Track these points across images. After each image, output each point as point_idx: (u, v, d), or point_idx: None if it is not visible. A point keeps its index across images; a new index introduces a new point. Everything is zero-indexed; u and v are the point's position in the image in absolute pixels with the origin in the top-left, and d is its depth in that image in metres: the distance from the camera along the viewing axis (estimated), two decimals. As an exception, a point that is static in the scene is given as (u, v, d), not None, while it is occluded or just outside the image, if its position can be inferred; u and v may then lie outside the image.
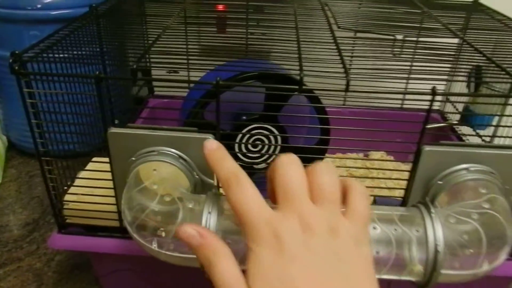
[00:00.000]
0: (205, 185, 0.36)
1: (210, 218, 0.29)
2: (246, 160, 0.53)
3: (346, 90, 0.31)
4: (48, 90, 0.34)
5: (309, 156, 0.52)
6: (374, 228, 0.29)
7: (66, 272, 0.50)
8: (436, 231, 0.29)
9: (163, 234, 0.32)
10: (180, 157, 0.34)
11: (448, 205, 0.33)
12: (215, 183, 0.35)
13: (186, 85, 0.63)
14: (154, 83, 0.69)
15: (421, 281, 0.29)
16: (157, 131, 0.34)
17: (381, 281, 0.31)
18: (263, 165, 0.53)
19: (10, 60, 0.32)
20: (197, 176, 0.35)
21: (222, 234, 0.30)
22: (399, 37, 0.42)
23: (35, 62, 0.34)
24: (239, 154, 0.52)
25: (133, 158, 0.34)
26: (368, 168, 0.68)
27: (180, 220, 0.30)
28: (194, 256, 0.29)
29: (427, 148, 0.34)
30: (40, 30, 0.61)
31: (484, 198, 0.32)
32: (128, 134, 0.34)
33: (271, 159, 0.53)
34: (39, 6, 0.60)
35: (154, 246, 0.30)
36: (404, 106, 0.68)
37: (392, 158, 0.70)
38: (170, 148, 0.34)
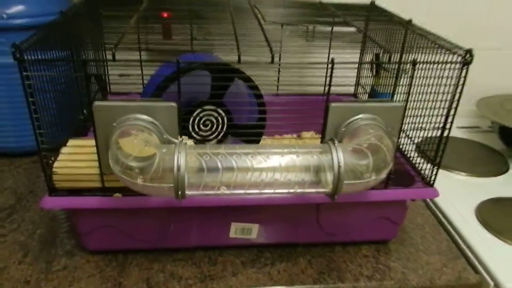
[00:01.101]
0: (171, 143, 0.46)
1: (180, 157, 0.40)
2: (200, 138, 0.63)
3: (272, 62, 0.43)
4: (40, 73, 0.43)
5: (250, 134, 0.64)
6: (298, 156, 0.41)
7: (49, 241, 0.57)
8: (339, 155, 0.42)
9: (142, 181, 0.42)
10: (151, 122, 0.45)
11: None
12: (180, 139, 0.46)
13: (139, 82, 0.73)
14: (111, 82, 0.78)
15: (331, 192, 0.42)
16: (132, 102, 0.44)
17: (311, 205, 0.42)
18: (214, 141, 0.64)
19: (12, 50, 0.41)
20: (165, 136, 0.46)
21: (189, 170, 0.41)
22: (311, 28, 0.55)
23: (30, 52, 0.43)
24: (193, 133, 0.62)
25: (114, 124, 0.44)
26: (300, 145, 0.82)
27: (157, 161, 0.41)
28: (167, 185, 0.40)
29: (332, 104, 0.47)
30: (5, 37, 0.68)
31: (372, 135, 0.45)
32: (109, 106, 0.44)
33: (220, 135, 0.64)
34: (3, 16, 0.67)
35: (139, 182, 0.41)
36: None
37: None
38: (143, 115, 0.44)
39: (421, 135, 0.57)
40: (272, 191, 0.42)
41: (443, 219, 0.68)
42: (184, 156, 0.40)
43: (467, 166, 0.82)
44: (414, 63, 0.46)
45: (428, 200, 0.72)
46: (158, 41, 0.78)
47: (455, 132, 0.96)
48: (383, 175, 0.44)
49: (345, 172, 0.41)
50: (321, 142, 0.49)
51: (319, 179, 0.42)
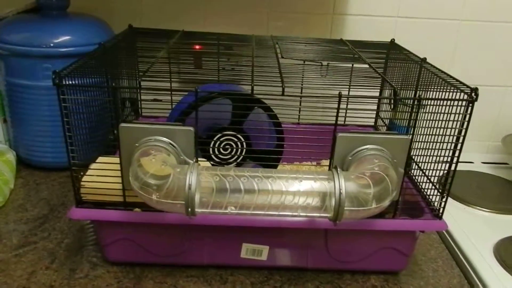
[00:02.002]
0: (187, 163, 0.50)
1: (192, 177, 0.44)
2: (219, 161, 0.67)
3: (282, 94, 0.47)
4: (75, 97, 0.49)
5: (268, 159, 0.67)
6: (301, 181, 0.44)
7: (74, 250, 0.62)
8: (341, 182, 0.44)
9: (156, 197, 0.46)
10: (170, 143, 0.49)
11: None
12: (195, 161, 0.50)
13: (169, 107, 0.79)
14: (142, 106, 0.84)
15: (332, 216, 0.44)
16: (154, 125, 0.49)
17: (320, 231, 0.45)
18: (233, 164, 0.68)
19: (53, 76, 0.47)
20: (182, 157, 0.50)
21: (200, 189, 0.44)
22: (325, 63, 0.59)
23: (68, 78, 0.49)
24: (213, 156, 0.66)
25: (137, 144, 0.48)
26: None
27: (171, 180, 0.44)
28: (179, 202, 0.43)
29: (340, 134, 0.50)
30: (51, 63, 0.76)
31: (376, 165, 0.47)
32: (133, 127, 0.48)
33: (238, 160, 0.67)
34: (51, 44, 0.75)
35: (154, 198, 0.44)
36: (347, 122, 0.84)
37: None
38: (163, 137, 0.49)
39: (435, 167, 0.58)
40: (277, 213, 0.45)
41: (459, 253, 0.68)
42: (196, 176, 0.44)
43: (490, 203, 0.81)
44: (419, 99, 0.49)
45: (444, 233, 0.72)
46: (190, 70, 0.83)
47: (481, 168, 0.95)
48: (386, 203, 0.45)
49: (349, 198, 0.43)
50: (329, 169, 0.51)
51: (323, 205, 0.44)
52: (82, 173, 0.55)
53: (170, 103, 0.78)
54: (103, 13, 0.86)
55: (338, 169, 0.45)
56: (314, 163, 0.88)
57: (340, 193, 0.43)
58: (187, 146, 0.49)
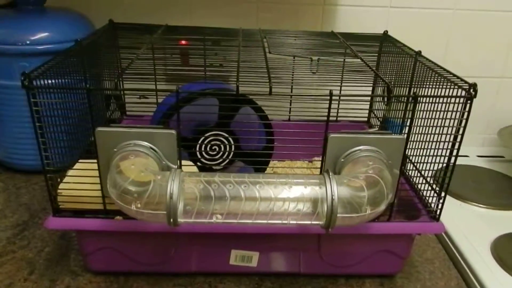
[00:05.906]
0: (170, 169, 0.47)
1: (173, 185, 0.41)
2: (207, 162, 0.64)
3: (270, 93, 0.44)
4: (49, 99, 0.45)
5: (256, 159, 0.64)
6: (291, 187, 0.41)
7: (55, 259, 0.59)
8: (333, 187, 0.41)
9: (139, 205, 0.43)
10: (151, 147, 0.46)
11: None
12: (178, 166, 0.47)
13: (154, 104, 0.75)
14: (127, 105, 0.80)
15: (324, 224, 0.42)
16: (133, 129, 0.45)
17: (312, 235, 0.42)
18: (220, 166, 0.65)
19: (22, 78, 0.43)
20: (164, 162, 0.47)
21: (183, 198, 0.41)
22: (315, 58, 0.56)
23: (40, 79, 0.45)
24: (200, 157, 0.63)
25: (115, 149, 0.45)
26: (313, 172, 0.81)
27: (151, 188, 0.41)
28: (161, 212, 0.40)
29: (331, 135, 0.47)
30: (29, 62, 0.72)
31: (370, 167, 0.44)
32: (111, 131, 0.45)
33: (227, 160, 0.64)
34: (27, 42, 0.71)
35: (133, 208, 0.41)
36: (339, 118, 0.81)
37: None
38: (143, 141, 0.46)
39: (433, 168, 0.55)
40: (265, 221, 0.42)
41: (456, 254, 0.66)
42: (178, 184, 0.41)
43: (487, 198, 0.79)
44: (415, 97, 0.46)
45: (442, 233, 0.70)
46: (176, 67, 0.80)
47: (477, 162, 0.93)
48: (381, 208, 0.43)
49: (342, 204, 0.41)
50: (320, 172, 0.49)
51: (314, 211, 0.42)
52: (59, 180, 0.51)
53: (155, 100, 0.75)
54: (82, 8, 0.82)
55: (330, 173, 0.42)
56: (307, 160, 0.86)
57: (333, 199, 0.41)
58: (169, 150, 0.46)
